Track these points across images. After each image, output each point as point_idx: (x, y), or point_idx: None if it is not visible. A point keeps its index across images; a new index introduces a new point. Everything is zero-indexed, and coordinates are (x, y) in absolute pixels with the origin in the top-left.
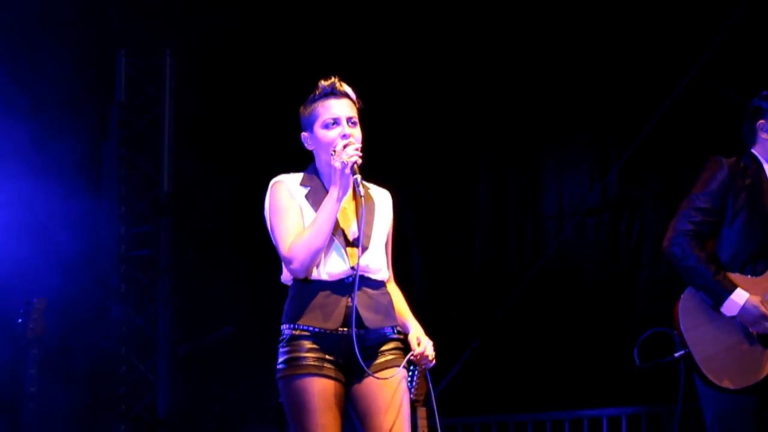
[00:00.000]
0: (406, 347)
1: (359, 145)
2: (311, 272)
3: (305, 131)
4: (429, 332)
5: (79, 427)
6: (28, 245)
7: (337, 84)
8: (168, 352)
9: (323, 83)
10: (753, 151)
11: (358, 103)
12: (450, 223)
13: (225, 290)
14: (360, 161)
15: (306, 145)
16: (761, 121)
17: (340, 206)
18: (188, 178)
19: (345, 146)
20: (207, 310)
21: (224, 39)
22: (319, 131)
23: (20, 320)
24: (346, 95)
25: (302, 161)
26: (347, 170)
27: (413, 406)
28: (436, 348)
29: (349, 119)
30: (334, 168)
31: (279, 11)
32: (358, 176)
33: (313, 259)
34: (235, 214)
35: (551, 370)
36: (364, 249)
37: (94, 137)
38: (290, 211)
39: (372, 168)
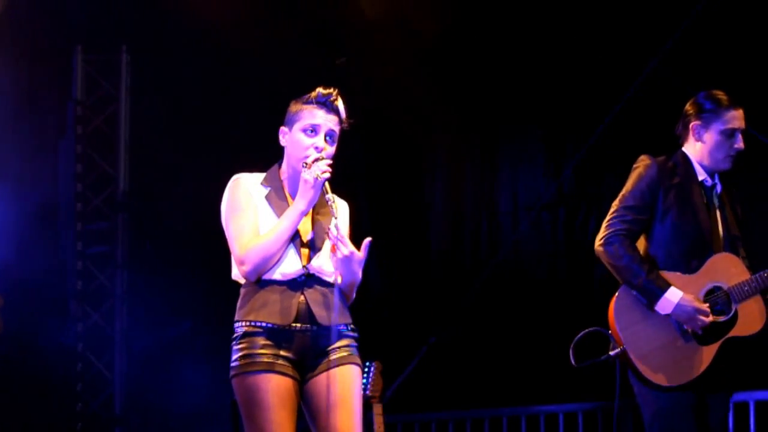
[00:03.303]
0: (360, 344)
1: (330, 161)
2: (263, 273)
3: (286, 126)
4: (385, 329)
5: (35, 425)
6: None
7: (333, 97)
8: (125, 348)
9: (321, 91)
10: (684, 150)
11: (345, 123)
12: (405, 219)
13: (182, 287)
14: (329, 177)
15: (281, 138)
16: (695, 123)
17: (302, 218)
18: (145, 175)
19: (316, 160)
20: (164, 306)
21: (182, 35)
22: (297, 133)
23: None
24: (336, 112)
25: (263, 158)
26: (317, 185)
27: (369, 402)
28: (393, 345)
29: (328, 133)
30: (304, 180)
31: (237, 5)
32: (331, 196)
33: (266, 265)
34: (193, 211)
35: (508, 366)
36: (318, 250)
37: (50, 134)
38: (247, 210)
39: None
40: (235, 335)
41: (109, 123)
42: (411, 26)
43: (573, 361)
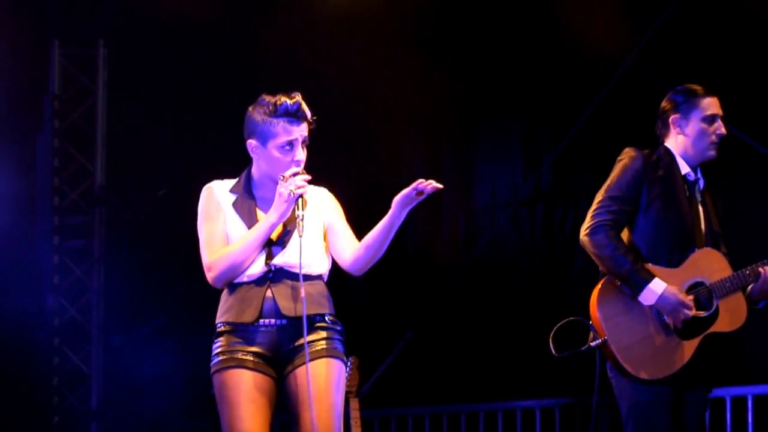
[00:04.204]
0: (339, 335)
1: (308, 177)
2: (232, 280)
3: (253, 139)
4: (362, 324)
5: (11, 419)
6: None
7: (302, 105)
8: (101, 343)
9: (287, 101)
10: (666, 144)
11: (312, 123)
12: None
13: (159, 281)
14: (305, 192)
15: (250, 151)
16: (675, 116)
17: (273, 230)
18: (122, 169)
19: (294, 174)
20: (140, 301)
21: (159, 29)
22: (274, 151)
23: None
24: (306, 118)
25: (239, 155)
26: (290, 201)
27: (346, 397)
28: (370, 340)
29: (303, 141)
30: (279, 193)
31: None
32: (301, 213)
33: (233, 273)
34: (170, 206)
35: (485, 361)
36: (284, 246)
37: (27, 128)
38: (216, 219)
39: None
40: (214, 333)
41: (86, 117)
42: (388, 20)
43: (553, 351)
